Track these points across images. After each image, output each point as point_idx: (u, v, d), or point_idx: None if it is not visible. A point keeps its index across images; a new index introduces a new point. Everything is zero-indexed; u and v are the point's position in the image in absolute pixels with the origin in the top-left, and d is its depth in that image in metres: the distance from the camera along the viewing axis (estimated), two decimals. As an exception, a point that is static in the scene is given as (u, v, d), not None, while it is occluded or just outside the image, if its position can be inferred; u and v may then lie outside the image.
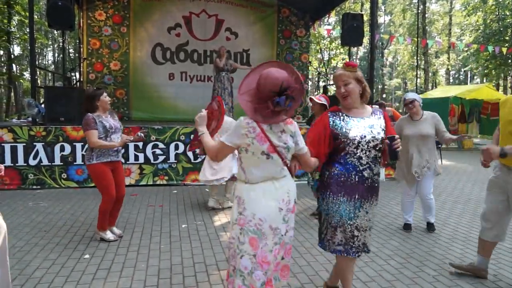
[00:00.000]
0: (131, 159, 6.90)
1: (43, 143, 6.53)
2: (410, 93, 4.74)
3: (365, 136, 2.46)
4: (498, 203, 3.19)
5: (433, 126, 4.52)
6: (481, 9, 24.98)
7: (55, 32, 27.90)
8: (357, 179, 2.48)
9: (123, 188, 4.27)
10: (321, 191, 2.61)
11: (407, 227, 4.78)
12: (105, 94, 4.11)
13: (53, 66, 35.28)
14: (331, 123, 2.51)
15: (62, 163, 6.65)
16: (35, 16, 16.05)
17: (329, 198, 2.54)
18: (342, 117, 2.53)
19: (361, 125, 2.50)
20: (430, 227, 4.73)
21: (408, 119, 4.65)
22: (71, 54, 28.81)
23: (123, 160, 6.72)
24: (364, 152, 2.47)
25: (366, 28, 16.54)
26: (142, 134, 4.37)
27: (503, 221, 3.22)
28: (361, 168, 2.48)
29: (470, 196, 6.61)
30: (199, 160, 7.05)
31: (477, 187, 7.36)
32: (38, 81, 23.82)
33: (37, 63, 20.87)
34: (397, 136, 2.53)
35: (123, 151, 4.27)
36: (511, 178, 3.07)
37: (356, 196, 2.50)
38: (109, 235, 4.14)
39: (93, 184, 6.55)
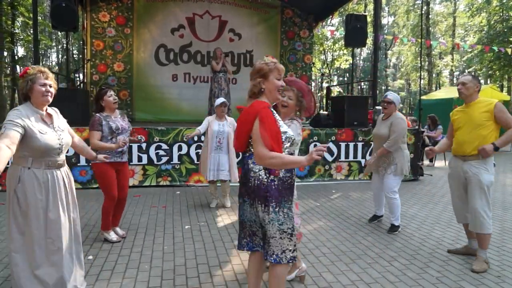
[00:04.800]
0: (135, 160, 6.91)
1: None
2: (392, 94, 4.75)
3: None
4: (458, 191, 3.80)
5: (390, 127, 4.57)
6: (485, 10, 24.93)
7: (59, 33, 28.07)
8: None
9: (125, 190, 4.28)
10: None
11: (372, 218, 5.08)
12: (109, 93, 4.05)
13: (57, 68, 35.46)
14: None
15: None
16: (39, 18, 16.12)
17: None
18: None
19: None
20: (391, 228, 4.68)
21: (381, 118, 4.85)
22: (74, 56, 28.91)
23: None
24: None
25: (370, 29, 16.53)
26: (143, 138, 4.33)
27: (466, 205, 3.75)
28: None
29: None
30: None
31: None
32: (42, 82, 23.83)
33: (41, 64, 20.94)
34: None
35: (127, 152, 4.27)
36: (461, 164, 3.68)
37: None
38: (112, 235, 4.15)
39: (96, 185, 6.59)
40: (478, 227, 3.57)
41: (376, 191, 4.97)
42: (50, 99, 2.78)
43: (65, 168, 2.94)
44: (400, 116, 4.63)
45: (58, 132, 2.81)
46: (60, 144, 2.79)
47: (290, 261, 2.41)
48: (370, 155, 7.87)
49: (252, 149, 2.36)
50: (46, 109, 2.82)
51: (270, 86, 2.40)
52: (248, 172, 2.40)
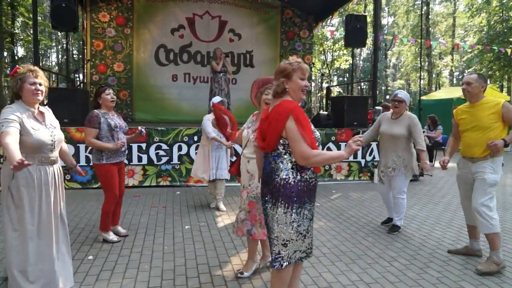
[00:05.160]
0: (134, 160, 6.91)
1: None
2: (402, 93, 4.69)
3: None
4: (467, 192, 3.75)
5: (407, 127, 4.49)
6: (485, 10, 24.94)
7: (59, 33, 28.09)
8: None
9: (122, 187, 4.29)
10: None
11: (385, 221, 5.00)
12: (107, 91, 4.02)
13: (56, 68, 35.46)
14: None
15: (65, 164, 6.65)
16: (39, 18, 16.13)
17: None
18: None
19: None
20: (392, 228, 4.68)
21: (389, 116, 4.71)
22: (74, 56, 28.92)
23: (126, 161, 6.75)
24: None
25: (370, 30, 16.53)
26: (143, 129, 4.26)
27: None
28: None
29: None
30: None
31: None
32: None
33: (40, 64, 20.98)
34: None
35: (126, 150, 4.27)
36: (470, 166, 3.65)
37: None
38: (112, 236, 4.14)
39: (96, 185, 6.59)
40: (480, 227, 3.56)
41: (385, 191, 4.87)
42: (41, 98, 2.80)
43: (58, 165, 2.96)
44: (414, 116, 4.62)
45: (50, 129, 2.85)
46: (52, 141, 2.83)
47: (299, 260, 2.43)
48: (370, 155, 7.89)
49: (280, 148, 2.33)
50: (38, 107, 2.85)
51: (294, 86, 2.36)
52: (273, 171, 2.35)
